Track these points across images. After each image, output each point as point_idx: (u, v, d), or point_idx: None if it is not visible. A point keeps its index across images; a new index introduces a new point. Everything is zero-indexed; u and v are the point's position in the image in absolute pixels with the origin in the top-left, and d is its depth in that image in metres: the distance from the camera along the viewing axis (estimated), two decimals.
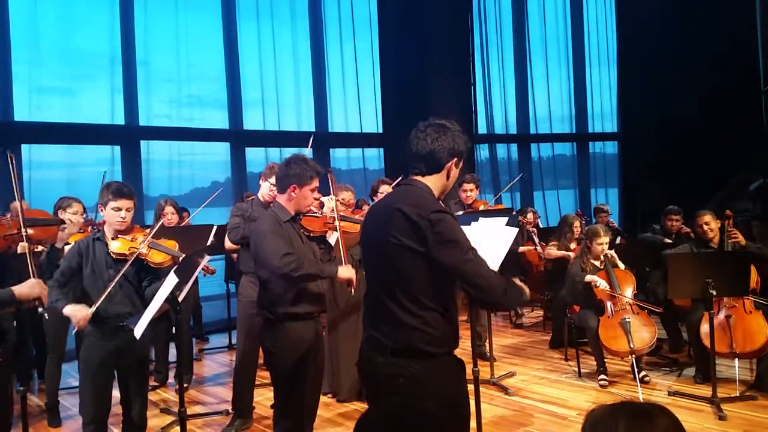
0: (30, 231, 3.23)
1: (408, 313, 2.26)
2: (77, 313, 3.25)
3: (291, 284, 3.27)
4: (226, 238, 4.54)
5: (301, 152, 3.60)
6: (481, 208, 6.23)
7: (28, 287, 3.12)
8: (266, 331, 3.40)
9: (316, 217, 4.04)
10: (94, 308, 3.27)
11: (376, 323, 2.38)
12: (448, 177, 2.41)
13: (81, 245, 3.46)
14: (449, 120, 2.44)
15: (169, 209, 5.64)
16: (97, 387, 3.42)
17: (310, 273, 3.27)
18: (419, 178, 2.40)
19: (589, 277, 5.34)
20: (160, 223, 4.12)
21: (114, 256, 3.42)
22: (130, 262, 3.36)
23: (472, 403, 3.73)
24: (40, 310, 3.14)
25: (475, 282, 2.24)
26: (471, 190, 6.08)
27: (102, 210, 3.45)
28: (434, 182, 2.39)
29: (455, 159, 2.39)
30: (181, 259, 3.43)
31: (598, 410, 1.44)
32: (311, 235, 3.78)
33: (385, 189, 5.31)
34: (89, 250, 3.44)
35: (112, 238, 3.44)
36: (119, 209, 3.39)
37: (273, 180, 4.33)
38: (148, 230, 3.60)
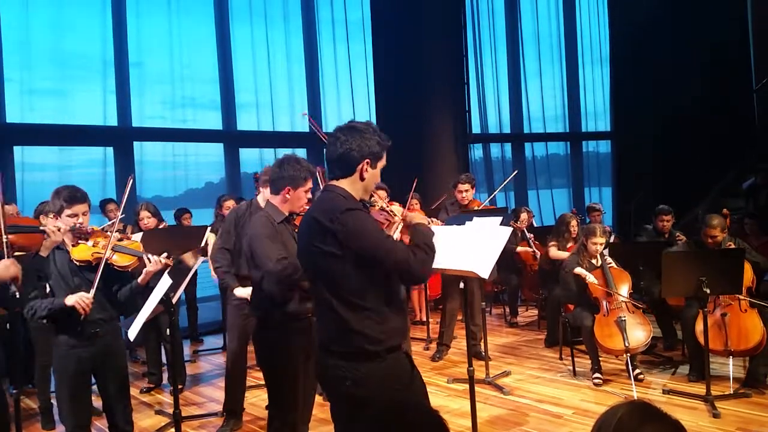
0: (11, 237, 3.14)
1: (344, 317, 2.32)
2: (81, 299, 3.14)
3: (287, 287, 3.25)
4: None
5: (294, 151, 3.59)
6: (476, 208, 6.22)
7: (3, 266, 2.98)
8: (259, 332, 3.39)
9: None
10: (92, 292, 3.19)
11: (323, 328, 2.45)
12: (362, 178, 2.42)
13: None
14: (366, 122, 2.46)
15: (144, 213, 5.62)
16: (74, 395, 3.33)
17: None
18: (335, 182, 2.43)
19: (578, 270, 5.35)
20: (115, 221, 3.88)
21: (77, 263, 3.30)
22: (101, 268, 3.23)
23: (468, 403, 3.75)
24: (12, 289, 3.00)
25: (391, 259, 2.28)
26: (467, 191, 6.06)
27: (57, 219, 3.31)
28: (349, 185, 2.42)
29: (367, 160, 2.40)
30: (147, 258, 3.37)
31: (622, 414, 1.39)
32: None
33: (379, 193, 5.26)
34: (50, 261, 3.30)
35: (73, 245, 3.31)
36: (75, 215, 3.26)
37: None
38: (108, 233, 3.43)
